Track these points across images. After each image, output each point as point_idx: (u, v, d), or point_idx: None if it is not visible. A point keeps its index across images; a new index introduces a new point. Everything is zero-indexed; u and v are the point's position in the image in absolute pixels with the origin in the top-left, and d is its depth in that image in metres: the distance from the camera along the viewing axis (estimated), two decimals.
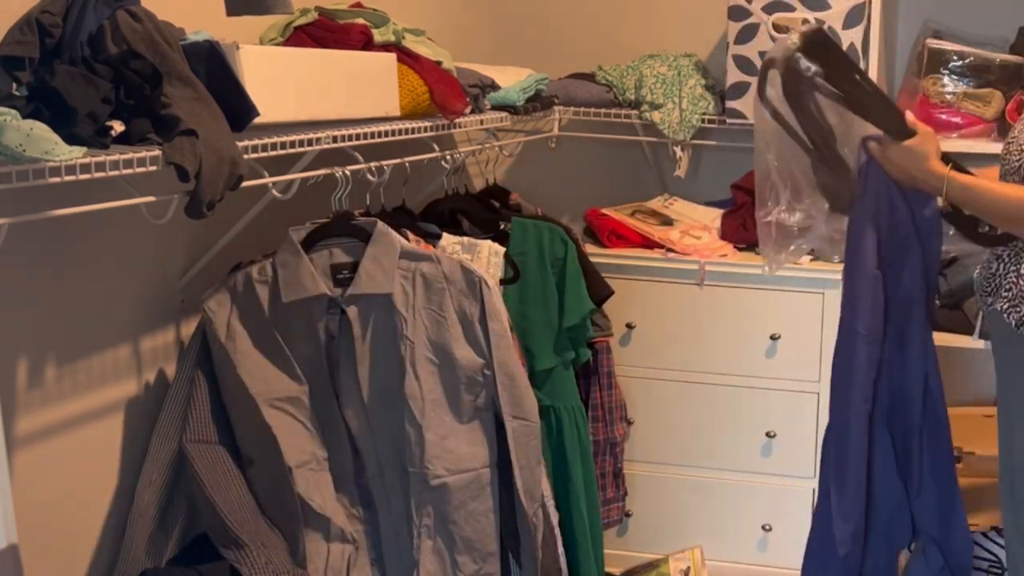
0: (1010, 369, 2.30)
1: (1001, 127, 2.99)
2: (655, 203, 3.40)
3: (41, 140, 1.46)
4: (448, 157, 2.59)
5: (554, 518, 2.41)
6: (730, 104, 3.17)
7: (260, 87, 1.87)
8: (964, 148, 2.88)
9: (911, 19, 3.25)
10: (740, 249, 3.20)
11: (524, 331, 2.60)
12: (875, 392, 2.34)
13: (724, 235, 3.23)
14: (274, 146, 1.95)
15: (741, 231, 3.21)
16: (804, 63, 2.22)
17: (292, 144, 2.00)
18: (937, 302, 3.06)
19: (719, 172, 3.44)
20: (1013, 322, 2.22)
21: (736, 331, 3.11)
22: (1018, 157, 2.22)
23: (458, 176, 2.91)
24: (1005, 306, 2.24)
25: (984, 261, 2.36)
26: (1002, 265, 2.28)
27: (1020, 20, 3.07)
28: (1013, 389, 2.29)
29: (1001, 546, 2.80)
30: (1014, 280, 2.23)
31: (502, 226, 2.65)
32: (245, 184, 1.81)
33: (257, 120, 1.85)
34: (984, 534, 2.86)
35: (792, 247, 2.39)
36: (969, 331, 3.00)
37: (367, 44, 2.33)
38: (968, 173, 2.24)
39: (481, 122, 2.68)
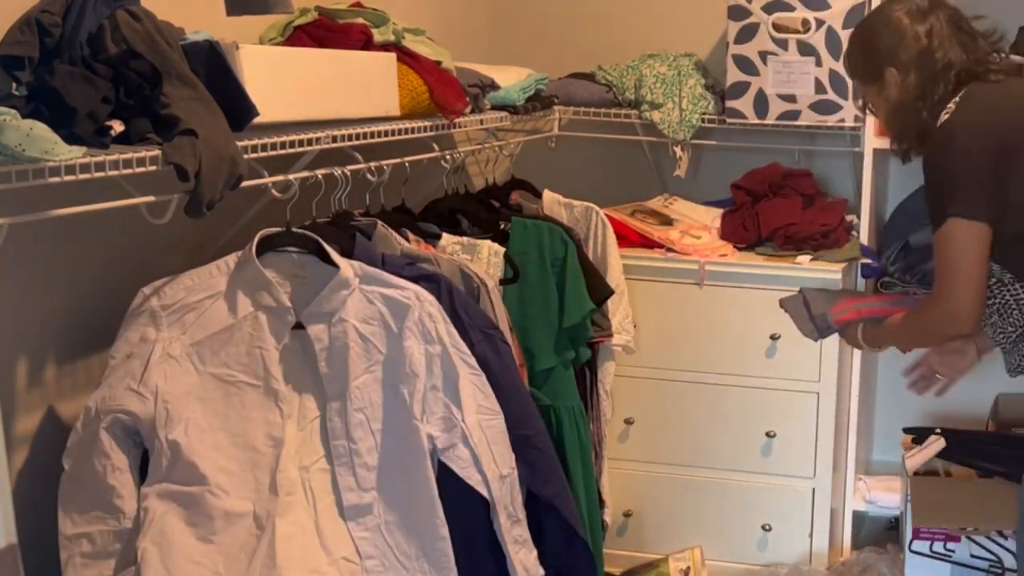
0: None
1: None
2: (655, 203, 3.40)
3: (41, 140, 1.46)
4: (448, 157, 2.59)
5: None
6: (730, 104, 3.16)
7: (260, 87, 1.87)
8: None
9: None
10: (740, 249, 3.20)
11: (524, 331, 2.60)
12: None
13: (724, 235, 3.23)
14: (274, 146, 1.95)
15: (741, 231, 3.21)
16: None
17: (292, 144, 2.00)
18: None
19: (719, 172, 3.43)
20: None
21: (736, 331, 3.11)
22: None
23: (458, 176, 2.91)
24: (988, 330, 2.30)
25: None
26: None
27: (1020, 20, 3.06)
28: None
29: (1002, 547, 2.80)
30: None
31: (502, 226, 2.65)
32: (245, 184, 1.81)
33: (257, 120, 1.85)
34: (987, 536, 2.86)
35: None
36: None
37: (367, 44, 2.33)
38: None
39: (481, 122, 2.68)
